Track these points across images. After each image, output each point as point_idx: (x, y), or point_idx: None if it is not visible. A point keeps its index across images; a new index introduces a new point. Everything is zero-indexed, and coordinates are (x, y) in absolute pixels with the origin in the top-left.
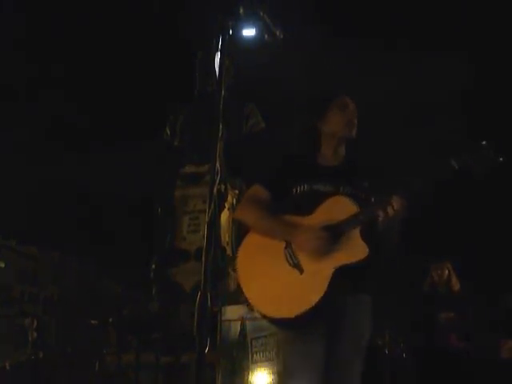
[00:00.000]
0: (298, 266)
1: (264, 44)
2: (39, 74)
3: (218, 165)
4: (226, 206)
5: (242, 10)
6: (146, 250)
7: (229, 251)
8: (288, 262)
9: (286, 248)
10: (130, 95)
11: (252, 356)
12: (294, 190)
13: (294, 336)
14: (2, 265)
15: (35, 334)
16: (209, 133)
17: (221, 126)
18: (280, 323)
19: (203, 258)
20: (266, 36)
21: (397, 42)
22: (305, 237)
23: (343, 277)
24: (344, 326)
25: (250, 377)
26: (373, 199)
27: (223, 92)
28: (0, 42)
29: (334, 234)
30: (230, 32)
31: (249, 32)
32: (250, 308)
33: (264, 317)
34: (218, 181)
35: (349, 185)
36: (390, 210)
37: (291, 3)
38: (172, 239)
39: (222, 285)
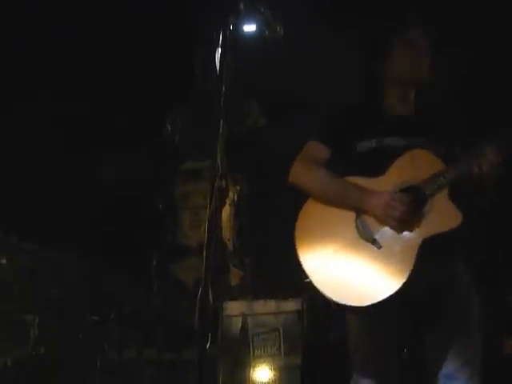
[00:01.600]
0: (374, 240)
1: (265, 40)
2: (37, 71)
3: (218, 160)
4: (227, 201)
5: (242, 6)
6: (147, 245)
7: (230, 247)
8: (361, 235)
9: (357, 218)
10: (129, 91)
11: (253, 352)
12: (359, 147)
13: (367, 323)
14: (4, 261)
15: (36, 331)
16: (209, 129)
17: (222, 122)
18: (355, 310)
19: (204, 254)
20: (267, 32)
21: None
22: (382, 203)
23: (433, 249)
24: (446, 307)
25: (251, 372)
26: (461, 152)
27: (224, 88)
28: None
29: (418, 198)
30: (231, 28)
31: (249, 28)
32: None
33: (334, 303)
34: (218, 176)
35: (424, 138)
36: (485, 166)
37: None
38: (173, 235)
39: (223, 280)
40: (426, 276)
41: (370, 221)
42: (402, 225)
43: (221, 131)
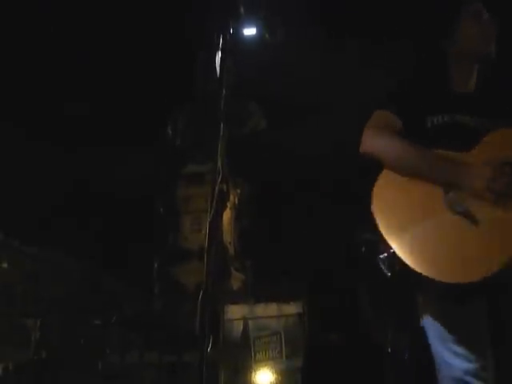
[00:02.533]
0: (469, 216)
1: (265, 43)
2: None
3: (219, 164)
4: (228, 205)
5: (242, 10)
6: (148, 249)
7: (231, 250)
8: (454, 210)
9: (446, 192)
10: (130, 94)
11: (255, 355)
12: (429, 121)
13: (453, 309)
14: (5, 265)
15: (38, 334)
16: (210, 132)
17: (222, 126)
18: (446, 292)
19: (205, 258)
20: (267, 35)
21: (399, 42)
22: (485, 175)
23: None
24: None
25: (252, 376)
26: None
27: (224, 91)
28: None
29: None
30: (231, 31)
31: (250, 31)
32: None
33: (425, 278)
34: (219, 180)
35: (497, 119)
36: None
37: (292, 2)
38: (174, 239)
39: (224, 284)
40: None
41: (463, 195)
42: (502, 200)
43: (221, 134)
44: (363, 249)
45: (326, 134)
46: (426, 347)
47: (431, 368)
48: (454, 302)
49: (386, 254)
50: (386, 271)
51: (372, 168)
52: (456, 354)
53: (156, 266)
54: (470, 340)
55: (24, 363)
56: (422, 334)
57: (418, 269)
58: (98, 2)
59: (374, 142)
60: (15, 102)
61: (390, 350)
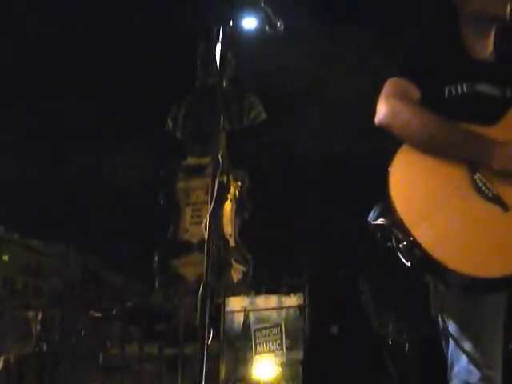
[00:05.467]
0: (499, 201)
1: (265, 35)
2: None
3: (219, 156)
4: (229, 197)
5: (242, 1)
6: (149, 241)
7: (232, 242)
8: (481, 193)
9: (473, 172)
10: (130, 87)
11: (255, 347)
12: (448, 91)
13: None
14: (6, 258)
15: (39, 327)
16: (210, 124)
17: (222, 118)
18: (471, 284)
19: (206, 250)
20: (267, 27)
21: (399, 30)
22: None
23: None
24: None
25: (253, 368)
26: None
27: (224, 83)
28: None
29: None
30: (231, 23)
31: (249, 23)
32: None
33: (451, 271)
34: (219, 172)
35: None
36: None
37: None
38: (175, 231)
39: (225, 276)
40: None
41: (491, 176)
42: None
43: (221, 127)
44: (378, 235)
45: (327, 122)
46: (428, 339)
47: (431, 359)
48: (478, 293)
49: (405, 243)
50: (404, 261)
51: (385, 148)
52: (473, 358)
53: (156, 258)
54: (487, 339)
55: (25, 356)
56: (425, 325)
57: (443, 261)
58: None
59: (393, 112)
60: (19, 97)
61: (390, 341)
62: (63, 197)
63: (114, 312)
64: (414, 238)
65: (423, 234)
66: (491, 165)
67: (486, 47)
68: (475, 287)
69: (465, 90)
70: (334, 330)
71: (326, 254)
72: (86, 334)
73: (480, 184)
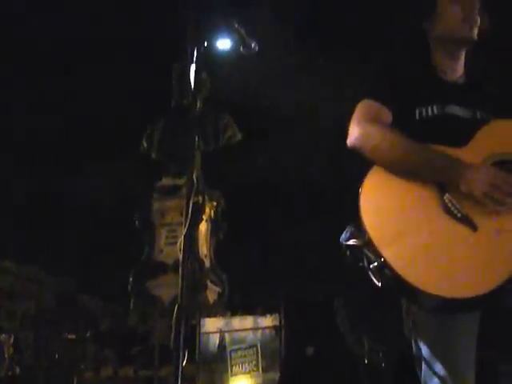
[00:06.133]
0: (468, 221)
1: (239, 56)
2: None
3: (194, 177)
4: (204, 217)
5: (216, 23)
6: (124, 263)
7: (207, 263)
8: (451, 213)
9: (443, 193)
10: (105, 107)
11: (231, 368)
12: (418, 113)
13: (445, 319)
14: None
15: (11, 350)
16: (186, 145)
17: (197, 138)
18: (441, 304)
19: (180, 271)
20: (241, 48)
21: (373, 53)
22: (486, 180)
23: None
24: None
25: None
26: None
27: (198, 104)
28: None
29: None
30: (205, 44)
31: (224, 44)
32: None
33: (420, 293)
34: (194, 193)
35: (485, 110)
36: None
37: (266, 15)
38: (150, 252)
39: (200, 297)
40: None
41: (460, 197)
42: (500, 204)
43: (196, 147)
44: (348, 255)
45: (301, 144)
46: (404, 358)
47: (407, 379)
48: (449, 313)
49: (375, 264)
50: (376, 281)
51: (356, 170)
52: (444, 380)
53: (131, 280)
54: (459, 361)
55: None
56: (400, 344)
57: (412, 282)
58: (80, 17)
59: (363, 135)
60: None
61: (366, 361)
62: (36, 218)
63: (88, 334)
64: (385, 259)
65: (393, 254)
66: (459, 187)
67: (456, 69)
68: (445, 308)
69: (435, 111)
70: (310, 350)
71: (301, 274)
72: (60, 356)
73: (449, 204)
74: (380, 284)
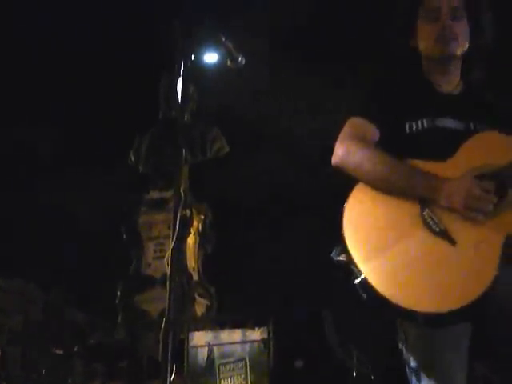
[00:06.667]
0: (446, 235)
1: (227, 69)
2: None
3: (182, 190)
4: (192, 231)
5: (204, 36)
6: (111, 277)
7: (195, 276)
8: (430, 228)
9: (423, 208)
10: (93, 121)
11: (220, 382)
12: (408, 127)
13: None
14: None
15: None
16: (173, 158)
17: (184, 151)
18: (424, 318)
19: (168, 285)
20: (229, 61)
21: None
22: (464, 192)
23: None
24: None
25: None
26: None
27: (185, 117)
28: None
29: (498, 187)
30: (192, 57)
31: (211, 57)
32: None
33: (400, 308)
34: (182, 206)
35: (481, 122)
36: None
37: (253, 29)
38: (137, 266)
39: (188, 311)
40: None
41: (440, 212)
42: (479, 218)
43: (184, 160)
44: (339, 271)
45: (289, 157)
46: (393, 370)
47: None
48: (435, 327)
49: (359, 279)
50: (362, 296)
51: (342, 186)
52: None
53: (118, 293)
54: (449, 374)
55: None
56: (389, 356)
57: (391, 298)
58: (69, 31)
59: (351, 154)
60: None
61: (355, 373)
62: (21, 231)
63: (76, 349)
64: (364, 276)
65: (372, 271)
66: (438, 201)
67: (451, 81)
68: (429, 321)
69: (425, 125)
70: (299, 363)
71: (290, 287)
72: (48, 371)
73: (428, 219)
74: (366, 299)
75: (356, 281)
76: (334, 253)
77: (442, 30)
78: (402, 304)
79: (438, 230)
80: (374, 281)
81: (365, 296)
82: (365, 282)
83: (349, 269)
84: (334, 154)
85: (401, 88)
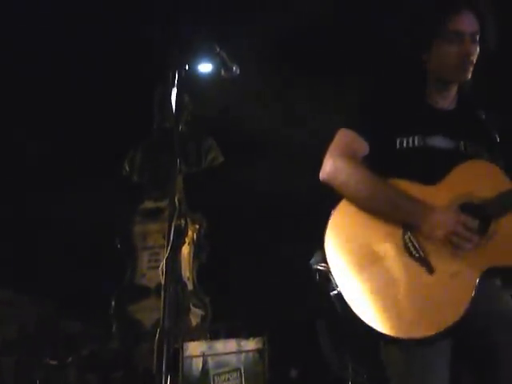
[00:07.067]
0: (425, 262)
1: (221, 79)
2: None
3: (176, 200)
4: (187, 240)
5: (198, 46)
6: (106, 287)
7: (190, 286)
8: (410, 254)
9: (405, 233)
10: (87, 131)
11: None
12: (398, 143)
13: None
14: None
15: None
16: (168, 168)
17: (179, 161)
18: (401, 342)
19: (162, 295)
20: (223, 71)
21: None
22: (447, 226)
23: (491, 280)
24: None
25: None
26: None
27: (180, 127)
28: None
29: (482, 219)
30: (187, 67)
31: (205, 67)
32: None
33: (374, 332)
34: (176, 215)
35: (471, 140)
36: None
37: (247, 38)
38: (132, 275)
39: (183, 321)
40: (479, 306)
41: (421, 238)
42: (460, 252)
43: (178, 170)
44: (318, 278)
45: (283, 167)
46: (387, 381)
47: None
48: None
49: (336, 292)
50: (338, 308)
51: (330, 199)
52: None
53: (113, 304)
54: None
55: None
56: (382, 366)
57: (362, 317)
58: (60, 41)
59: (335, 171)
60: None
61: (350, 383)
62: (16, 242)
63: (70, 359)
64: (340, 291)
65: (348, 286)
66: (421, 228)
67: (448, 98)
68: (394, 342)
69: (416, 143)
70: (294, 373)
71: (285, 296)
72: (42, 382)
73: (409, 244)
74: (340, 312)
75: (332, 292)
76: (313, 260)
77: (466, 57)
78: (373, 325)
79: (417, 255)
80: (348, 297)
81: (339, 309)
82: (340, 295)
83: (327, 278)
84: (323, 169)
85: (396, 102)
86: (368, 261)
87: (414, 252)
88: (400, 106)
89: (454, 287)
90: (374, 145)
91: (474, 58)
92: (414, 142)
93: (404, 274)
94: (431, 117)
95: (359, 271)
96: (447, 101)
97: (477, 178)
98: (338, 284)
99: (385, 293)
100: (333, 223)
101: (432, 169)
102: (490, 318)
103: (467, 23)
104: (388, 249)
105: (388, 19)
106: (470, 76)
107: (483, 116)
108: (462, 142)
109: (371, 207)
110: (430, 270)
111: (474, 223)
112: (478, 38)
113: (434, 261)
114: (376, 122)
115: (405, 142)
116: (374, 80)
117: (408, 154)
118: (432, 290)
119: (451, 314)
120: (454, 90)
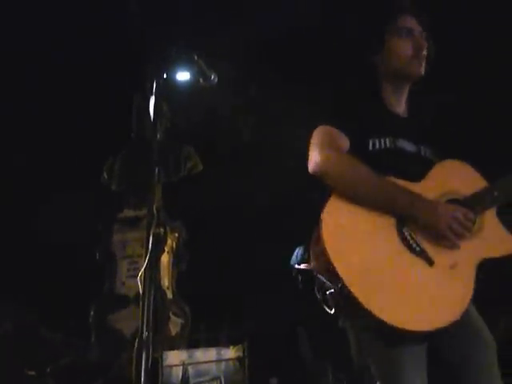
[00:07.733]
0: (424, 255)
1: (199, 87)
2: None
3: (155, 208)
4: (166, 249)
5: (175, 54)
6: (84, 296)
7: (169, 295)
8: (408, 246)
9: (401, 226)
10: (65, 139)
11: None
12: (372, 144)
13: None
14: None
15: None
16: (146, 176)
17: (157, 170)
18: (406, 335)
19: (141, 303)
20: (201, 80)
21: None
22: (448, 215)
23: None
24: (474, 327)
25: None
26: None
27: (158, 136)
28: None
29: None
30: (164, 76)
31: (183, 76)
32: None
33: (383, 324)
34: (155, 224)
35: (427, 145)
36: None
37: (226, 47)
38: (111, 284)
39: (162, 330)
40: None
41: (418, 231)
42: (456, 241)
43: (156, 178)
44: (299, 280)
45: (262, 173)
46: None
47: None
48: (397, 342)
49: (332, 290)
50: (327, 308)
51: (317, 196)
52: None
53: (92, 312)
54: None
55: None
56: (362, 373)
57: (370, 309)
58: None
59: (328, 162)
60: None
61: None
62: None
63: (49, 369)
64: (345, 286)
65: (356, 283)
66: (418, 220)
67: (402, 104)
68: (393, 336)
69: (387, 144)
70: (274, 381)
71: (264, 305)
72: None
73: (408, 237)
74: (333, 311)
75: (329, 292)
76: (294, 260)
77: (419, 48)
78: (381, 317)
79: (417, 249)
80: (356, 291)
81: (332, 309)
82: (339, 292)
83: (312, 278)
84: (312, 161)
85: (363, 105)
86: (370, 256)
87: (413, 245)
88: (367, 109)
89: (454, 279)
90: (356, 145)
91: (426, 53)
92: (385, 143)
93: (406, 267)
94: (396, 121)
95: (366, 270)
96: (401, 107)
97: (455, 177)
98: (341, 279)
99: (389, 286)
100: (327, 219)
101: (404, 170)
102: (461, 326)
103: (414, 23)
104: (387, 243)
105: (347, 22)
106: (423, 72)
107: (430, 122)
108: (421, 147)
109: (368, 198)
110: (430, 262)
111: (471, 215)
112: (425, 37)
113: (433, 254)
114: (350, 121)
115: (377, 143)
116: (344, 84)
117: (381, 156)
118: (434, 282)
119: (461, 303)
120: (405, 94)
